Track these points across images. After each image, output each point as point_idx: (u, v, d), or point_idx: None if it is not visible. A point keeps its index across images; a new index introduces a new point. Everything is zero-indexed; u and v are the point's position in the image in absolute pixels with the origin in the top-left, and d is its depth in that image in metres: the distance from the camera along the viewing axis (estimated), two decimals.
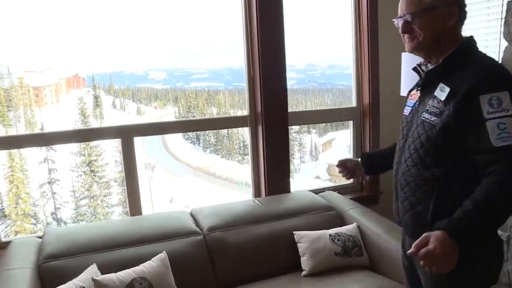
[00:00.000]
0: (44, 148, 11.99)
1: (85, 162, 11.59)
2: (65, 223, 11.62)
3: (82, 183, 11.62)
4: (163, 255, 2.90)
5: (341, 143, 9.57)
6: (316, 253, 3.22)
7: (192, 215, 3.49)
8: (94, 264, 2.78)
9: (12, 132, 12.45)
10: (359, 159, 2.64)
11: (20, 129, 13.20)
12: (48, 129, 12.28)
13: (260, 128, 3.90)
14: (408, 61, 3.79)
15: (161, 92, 17.28)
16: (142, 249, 3.01)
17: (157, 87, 17.00)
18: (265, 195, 3.87)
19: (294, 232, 3.31)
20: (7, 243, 3.47)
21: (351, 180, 4.83)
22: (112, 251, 2.96)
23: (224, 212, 3.44)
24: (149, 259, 2.87)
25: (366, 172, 2.69)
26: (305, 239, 3.28)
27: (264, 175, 3.91)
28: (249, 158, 4.00)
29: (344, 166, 2.65)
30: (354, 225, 3.45)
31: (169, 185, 14.52)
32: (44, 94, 15.36)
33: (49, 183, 11.61)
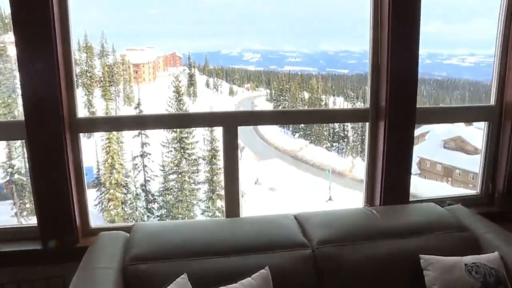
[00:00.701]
0: None
1: (176, 139, 11.40)
2: (153, 195, 11.55)
3: (172, 158, 11.43)
4: (265, 272, 2.27)
5: (435, 136, 8.64)
6: (448, 287, 2.45)
7: (298, 221, 2.83)
8: (185, 274, 2.20)
9: (112, 105, 12.51)
10: None
11: (119, 103, 13.28)
12: (145, 104, 12.20)
13: (382, 124, 3.15)
14: None
15: (254, 74, 16.93)
16: (240, 261, 2.41)
17: (250, 68, 16.72)
18: (380, 202, 3.14)
19: (421, 256, 2.54)
20: (96, 230, 3.01)
21: (477, 189, 3.96)
22: (206, 259, 2.38)
23: (336, 222, 2.75)
24: (248, 274, 2.25)
25: None
26: (434, 266, 2.51)
27: (382, 179, 3.17)
28: (365, 156, 3.28)
29: None
30: (495, 254, 2.63)
31: (255, 166, 14.16)
32: (143, 71, 15.45)
33: (141, 156, 11.54)
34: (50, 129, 2.58)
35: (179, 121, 3.26)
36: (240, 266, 2.37)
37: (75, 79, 2.60)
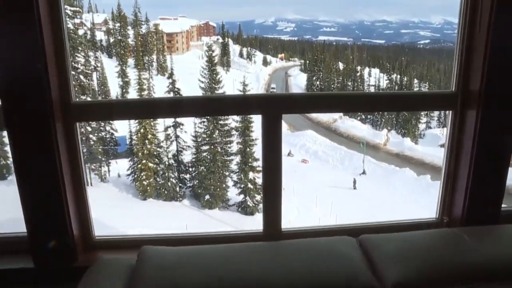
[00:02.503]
0: (172, 93, 11.24)
1: None
2: (184, 165, 10.96)
3: (205, 129, 10.85)
4: None
5: None
6: None
7: (363, 249, 1.93)
8: None
9: (145, 75, 11.80)
10: None
11: (152, 73, 12.58)
12: (178, 74, 11.46)
13: (473, 113, 2.20)
14: None
15: (288, 44, 16.00)
16: None
17: (284, 38, 15.74)
18: (463, 213, 2.21)
19: None
20: (100, 243, 2.21)
21: None
22: None
23: (415, 252, 1.85)
24: None
25: None
26: None
27: (467, 182, 2.25)
28: (444, 150, 2.36)
29: None
30: None
31: (288, 138, 13.40)
32: (176, 41, 14.68)
33: (173, 126, 10.97)
34: (33, 118, 1.75)
35: (199, 107, 2.38)
36: None
37: (70, 52, 1.74)
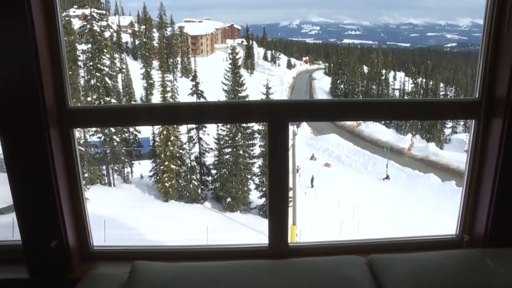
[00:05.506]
0: (195, 95, 11.23)
1: None
2: (207, 168, 10.93)
3: (227, 132, 10.80)
4: None
5: None
6: None
7: (372, 271, 1.77)
8: None
9: (169, 77, 11.79)
10: None
11: (177, 75, 12.56)
12: (201, 76, 11.41)
13: (498, 122, 2.02)
14: None
15: (313, 47, 15.87)
16: None
17: (309, 41, 15.61)
18: (486, 231, 2.03)
19: None
20: (98, 253, 2.11)
21: None
22: None
23: (428, 276, 1.67)
24: None
25: None
26: None
27: (491, 197, 2.07)
28: (465, 164, 2.18)
29: None
30: None
31: (311, 141, 13.22)
32: (201, 43, 14.68)
33: (196, 129, 10.97)
34: (26, 123, 1.66)
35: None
36: None
37: (65, 56, 1.64)
